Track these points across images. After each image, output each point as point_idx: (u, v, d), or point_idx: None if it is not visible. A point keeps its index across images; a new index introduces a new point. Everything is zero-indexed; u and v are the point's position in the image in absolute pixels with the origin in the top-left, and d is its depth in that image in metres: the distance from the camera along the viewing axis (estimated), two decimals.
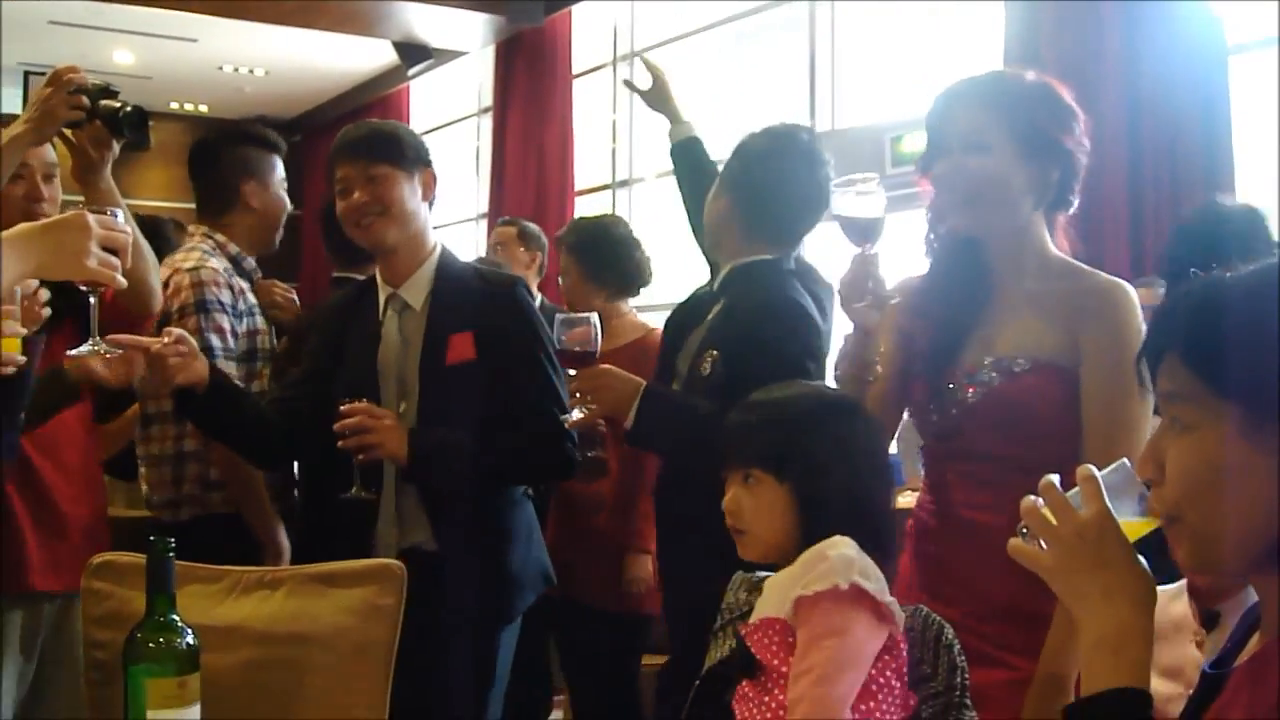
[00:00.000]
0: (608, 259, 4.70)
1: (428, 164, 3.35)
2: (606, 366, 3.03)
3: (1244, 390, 1.34)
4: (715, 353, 3.11)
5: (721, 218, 3.34)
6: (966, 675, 2.13)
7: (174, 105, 11.80)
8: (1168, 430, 1.44)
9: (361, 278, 3.87)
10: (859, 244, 2.57)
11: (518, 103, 9.13)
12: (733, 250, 3.31)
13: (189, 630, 2.00)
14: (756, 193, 3.29)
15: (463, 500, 3.23)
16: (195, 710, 1.96)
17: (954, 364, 2.59)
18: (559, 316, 2.99)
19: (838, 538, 2.07)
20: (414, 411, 3.22)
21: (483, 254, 6.27)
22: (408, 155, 3.28)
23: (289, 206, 4.02)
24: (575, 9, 8.70)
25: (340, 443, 3.09)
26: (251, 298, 3.84)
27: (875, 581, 2.03)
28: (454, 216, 10.57)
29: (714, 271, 3.55)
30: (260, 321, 3.87)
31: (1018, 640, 2.49)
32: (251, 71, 10.94)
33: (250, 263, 3.92)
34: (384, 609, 2.65)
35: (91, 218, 2.29)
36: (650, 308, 5.26)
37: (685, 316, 3.42)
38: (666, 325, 3.54)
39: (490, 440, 3.19)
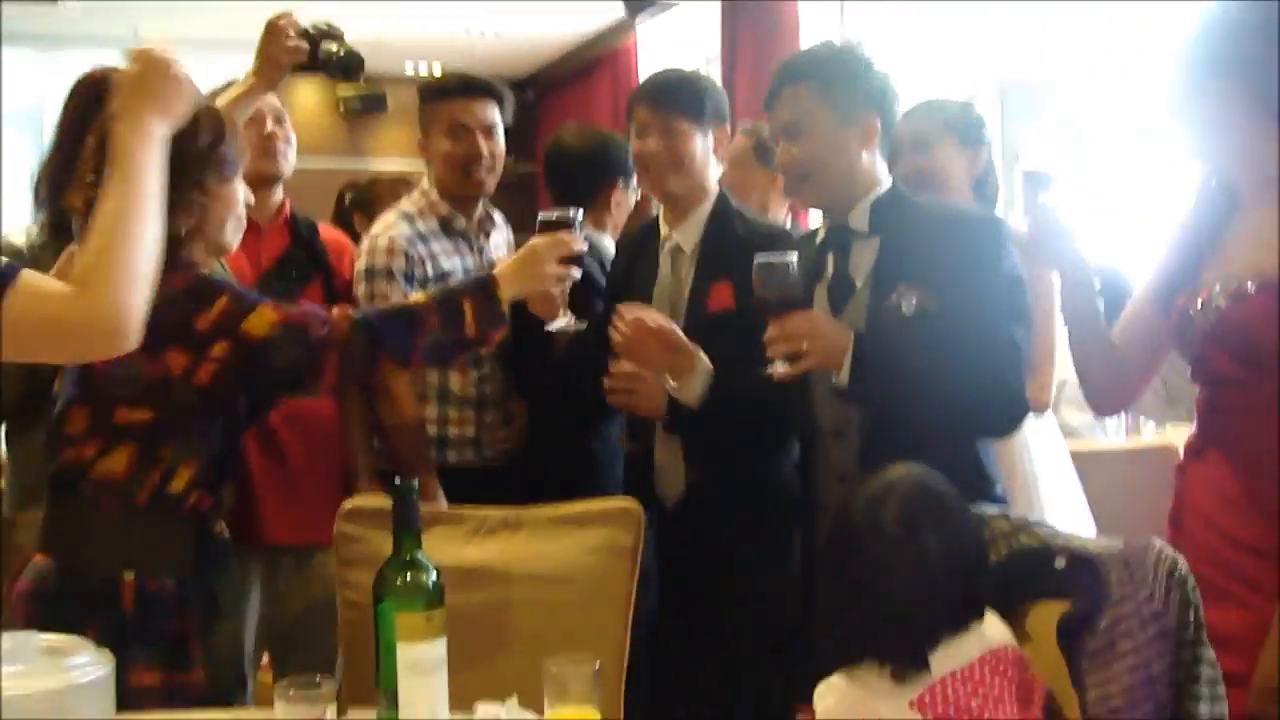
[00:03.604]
0: None
1: (724, 119, 3.40)
2: (816, 312, 2.81)
3: None
4: (915, 290, 2.77)
5: (851, 145, 2.90)
6: (1201, 612, 2.07)
7: (409, 68, 12.04)
8: None
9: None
10: (1036, 194, 2.57)
11: (745, 50, 9.08)
12: (857, 183, 2.92)
13: (434, 568, 2.07)
14: (886, 101, 2.96)
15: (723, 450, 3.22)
16: (441, 643, 2.03)
17: (1194, 288, 2.53)
18: (758, 260, 2.75)
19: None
20: None
21: None
22: (705, 110, 3.34)
23: (476, 148, 3.78)
24: None
25: (609, 398, 3.19)
26: (448, 262, 3.72)
27: None
28: None
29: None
30: None
31: (1262, 578, 2.42)
32: (482, 32, 11.08)
33: (460, 223, 3.81)
34: (623, 549, 2.72)
35: (541, 244, 2.70)
36: None
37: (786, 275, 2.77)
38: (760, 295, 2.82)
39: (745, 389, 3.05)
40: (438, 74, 12.07)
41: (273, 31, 3.17)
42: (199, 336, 2.42)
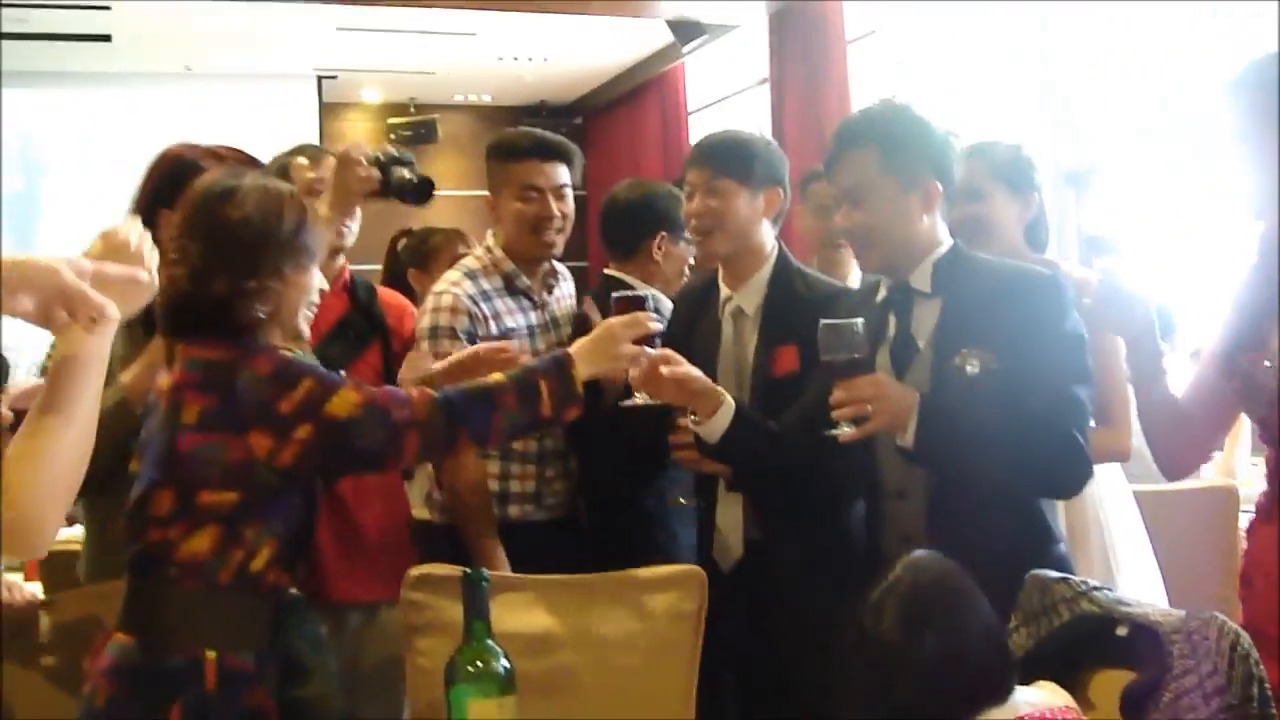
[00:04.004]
0: None
1: (777, 182, 3.40)
2: (881, 375, 2.81)
3: None
4: (978, 352, 2.77)
5: (913, 211, 2.91)
6: (1267, 685, 2.08)
7: (458, 98, 12.14)
8: None
9: (628, 280, 3.96)
10: (1097, 258, 2.60)
11: (794, 72, 9.09)
12: (919, 246, 2.93)
13: (504, 654, 2.12)
14: (945, 164, 2.95)
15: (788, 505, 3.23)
16: None
17: (1259, 349, 2.53)
18: (824, 323, 2.76)
19: None
20: None
21: None
22: (754, 172, 3.35)
23: (548, 209, 3.82)
24: None
25: (674, 455, 3.18)
26: (511, 320, 3.75)
27: None
28: None
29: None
30: (522, 346, 3.72)
31: None
32: (530, 59, 11.16)
33: (524, 281, 3.84)
34: (686, 614, 2.76)
35: (617, 324, 2.73)
36: None
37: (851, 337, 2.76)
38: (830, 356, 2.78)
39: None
40: (487, 102, 12.19)
41: (345, 163, 3.21)
42: (283, 419, 2.45)
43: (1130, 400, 3.39)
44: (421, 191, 3.27)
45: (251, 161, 2.97)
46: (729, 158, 3.36)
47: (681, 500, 3.45)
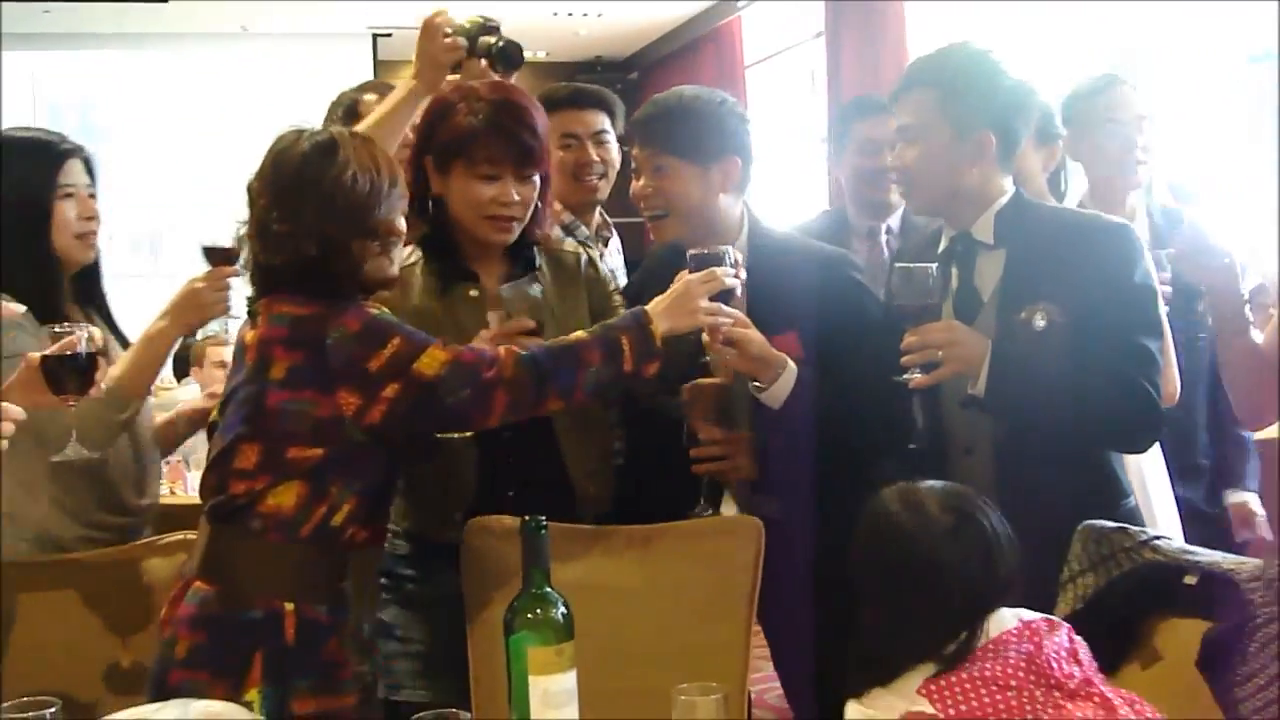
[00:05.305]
0: None
1: (734, 151, 3.07)
2: (954, 322, 2.75)
3: None
4: (1045, 306, 2.70)
5: (963, 158, 2.85)
6: None
7: None
8: None
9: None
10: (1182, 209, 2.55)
11: (850, 24, 9.03)
12: (971, 194, 2.86)
13: (563, 601, 2.11)
14: (1008, 116, 2.87)
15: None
16: (571, 676, 2.07)
17: None
18: (897, 267, 2.74)
19: None
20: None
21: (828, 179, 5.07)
22: (702, 146, 3.03)
23: (586, 155, 3.90)
24: None
25: (694, 468, 3.01)
26: None
27: None
28: (797, 141, 10.54)
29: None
30: None
31: None
32: (585, 14, 11.11)
33: (584, 231, 3.84)
34: (743, 562, 2.74)
35: (693, 280, 2.66)
36: None
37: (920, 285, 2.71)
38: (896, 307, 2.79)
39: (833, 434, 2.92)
40: (542, 58, 12.15)
41: (429, 31, 3.08)
42: (371, 378, 2.44)
43: (1170, 343, 3.36)
44: (509, 57, 3.13)
45: (505, 90, 2.95)
46: (671, 131, 3.03)
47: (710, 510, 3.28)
